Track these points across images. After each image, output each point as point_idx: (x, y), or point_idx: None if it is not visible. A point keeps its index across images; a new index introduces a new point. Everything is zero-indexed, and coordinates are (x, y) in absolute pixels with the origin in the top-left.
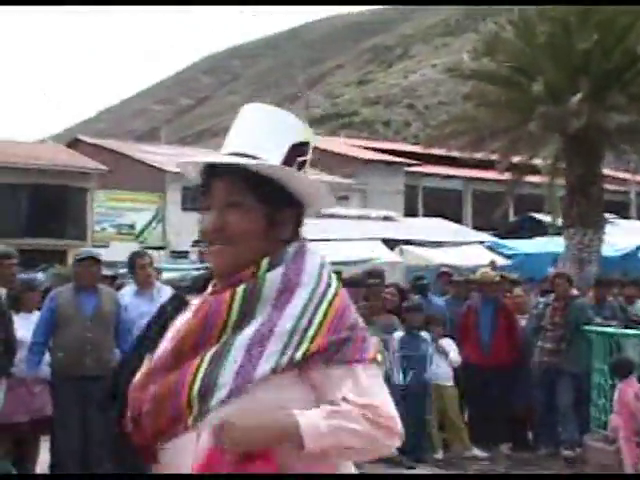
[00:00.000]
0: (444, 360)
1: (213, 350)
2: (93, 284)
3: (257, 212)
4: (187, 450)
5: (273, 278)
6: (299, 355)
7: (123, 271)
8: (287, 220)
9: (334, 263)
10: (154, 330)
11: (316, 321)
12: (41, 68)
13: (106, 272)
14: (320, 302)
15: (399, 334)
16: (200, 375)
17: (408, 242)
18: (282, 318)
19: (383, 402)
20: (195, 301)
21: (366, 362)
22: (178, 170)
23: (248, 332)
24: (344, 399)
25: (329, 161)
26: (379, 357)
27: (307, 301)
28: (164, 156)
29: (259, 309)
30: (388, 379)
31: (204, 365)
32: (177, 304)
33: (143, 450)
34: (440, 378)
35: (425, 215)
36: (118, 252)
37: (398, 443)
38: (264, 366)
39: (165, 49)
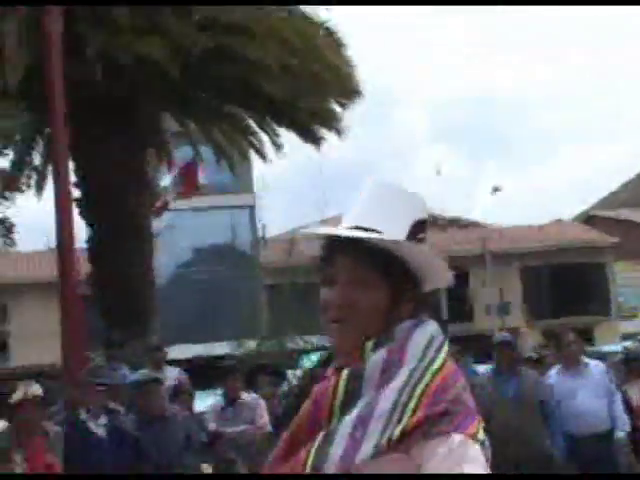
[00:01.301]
0: None
1: (322, 435)
2: (513, 367)
3: (383, 290)
4: None
5: (376, 360)
6: (397, 432)
7: None
8: (409, 299)
9: None
10: (288, 411)
11: (417, 393)
12: None
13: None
14: (422, 376)
15: None
16: (311, 460)
17: None
18: (383, 398)
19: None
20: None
21: (465, 435)
22: None
23: (352, 415)
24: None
25: None
26: (481, 436)
27: (408, 378)
28: None
29: (364, 392)
30: None
31: (314, 450)
32: (306, 382)
33: None
34: None
35: None
36: None
37: None
38: (365, 449)
39: None
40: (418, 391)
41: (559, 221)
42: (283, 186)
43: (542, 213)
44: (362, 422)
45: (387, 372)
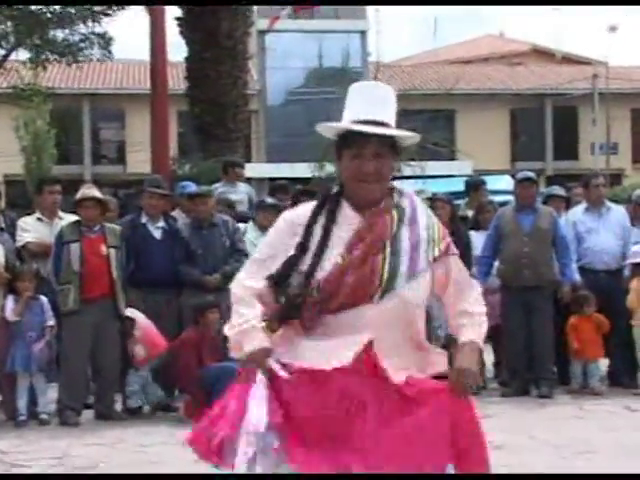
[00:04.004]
0: None
1: (388, 251)
2: (532, 204)
3: (390, 161)
4: (362, 313)
5: (405, 205)
6: (437, 253)
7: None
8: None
9: None
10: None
11: (436, 231)
12: None
13: None
14: (432, 219)
15: None
16: (386, 267)
17: None
18: (419, 232)
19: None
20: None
21: (457, 254)
22: None
23: (405, 240)
24: (455, 272)
25: None
26: None
27: (427, 219)
28: None
29: (403, 225)
30: None
31: (387, 260)
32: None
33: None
34: None
35: None
36: None
37: None
38: (422, 263)
39: None
40: (436, 227)
41: None
42: (397, 14)
43: None
44: (414, 246)
45: (413, 214)
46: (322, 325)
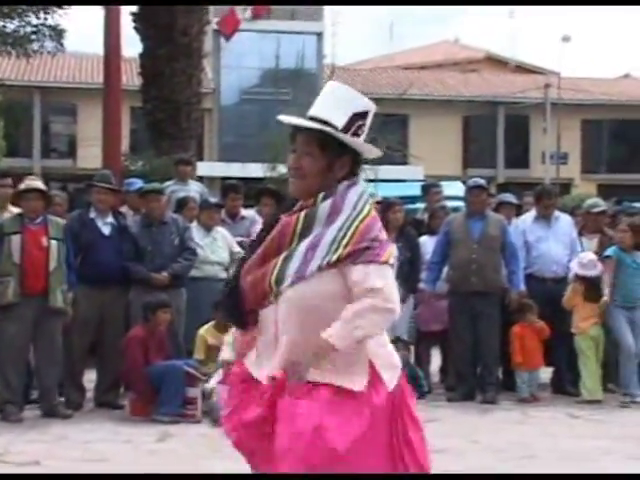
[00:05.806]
0: None
1: (285, 254)
2: (482, 211)
3: (320, 159)
4: (270, 315)
5: (325, 206)
6: (335, 258)
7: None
8: (343, 165)
9: None
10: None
11: (348, 234)
12: None
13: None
14: (353, 222)
15: None
16: (276, 270)
17: None
18: (327, 233)
19: (383, 287)
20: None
21: (378, 263)
22: None
23: (306, 242)
24: (356, 284)
25: None
26: (391, 260)
27: (344, 221)
28: None
29: (315, 227)
30: None
31: (279, 263)
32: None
33: (250, 314)
34: None
35: None
36: None
37: (394, 317)
38: (313, 265)
39: None
40: (350, 231)
41: (627, 76)
42: (354, 16)
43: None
44: (312, 248)
45: (331, 215)
46: (260, 321)
